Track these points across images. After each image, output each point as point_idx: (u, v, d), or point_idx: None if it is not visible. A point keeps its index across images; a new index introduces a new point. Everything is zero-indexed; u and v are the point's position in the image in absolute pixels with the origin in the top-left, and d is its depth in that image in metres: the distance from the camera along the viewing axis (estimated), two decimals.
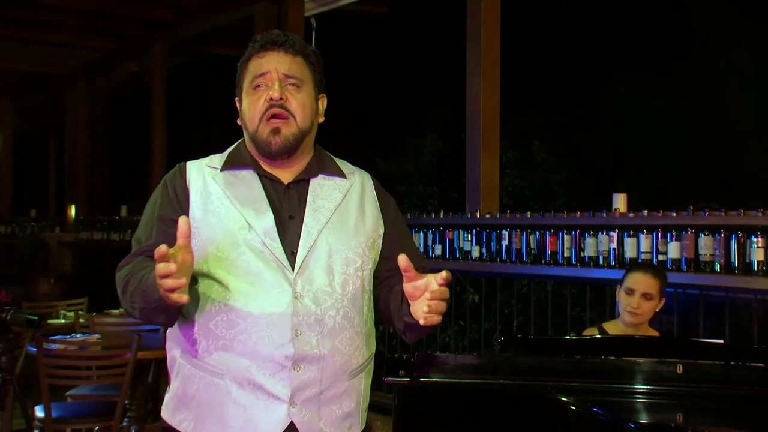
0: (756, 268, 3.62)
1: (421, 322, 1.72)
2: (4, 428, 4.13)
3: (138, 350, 4.18)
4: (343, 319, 1.83)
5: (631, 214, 4.11)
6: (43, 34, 8.92)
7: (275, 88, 1.85)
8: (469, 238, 4.82)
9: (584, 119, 9.42)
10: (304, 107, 1.88)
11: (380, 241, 1.95)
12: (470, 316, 5.22)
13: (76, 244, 9.70)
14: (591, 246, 4.20)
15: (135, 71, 9.96)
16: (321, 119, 1.97)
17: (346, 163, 2.04)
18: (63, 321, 5.94)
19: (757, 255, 3.62)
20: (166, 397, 1.93)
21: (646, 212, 4.04)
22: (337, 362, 1.82)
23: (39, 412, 4.19)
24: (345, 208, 1.90)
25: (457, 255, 4.91)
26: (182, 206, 1.87)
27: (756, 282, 3.63)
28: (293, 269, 1.80)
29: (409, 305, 1.78)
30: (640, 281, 3.24)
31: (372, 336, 1.95)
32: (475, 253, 4.79)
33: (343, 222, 1.88)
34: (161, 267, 1.60)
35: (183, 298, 1.64)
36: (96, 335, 4.88)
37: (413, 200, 8.53)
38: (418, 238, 5.14)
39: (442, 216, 5.13)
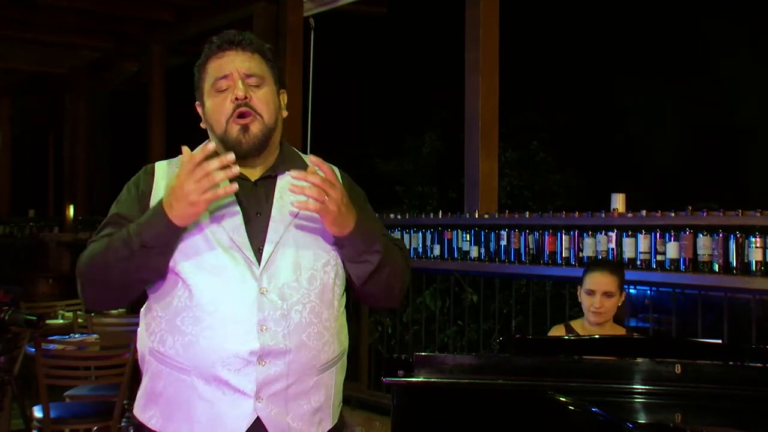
0: (754, 268, 3.62)
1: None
2: (3, 428, 4.13)
3: (136, 350, 4.18)
4: (310, 314, 1.84)
5: (630, 215, 4.11)
6: (42, 34, 8.92)
7: (239, 87, 1.84)
8: (468, 238, 4.82)
9: (583, 119, 9.43)
10: (269, 104, 1.89)
11: None
12: (469, 316, 5.22)
13: (74, 244, 9.69)
14: (590, 246, 4.20)
15: (134, 71, 9.96)
16: (285, 114, 1.98)
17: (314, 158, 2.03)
18: (61, 321, 5.95)
19: (755, 255, 3.62)
20: (138, 393, 1.94)
21: (644, 212, 4.04)
22: (305, 357, 1.83)
23: (37, 413, 4.19)
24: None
25: (455, 255, 4.91)
26: (142, 206, 1.87)
27: (754, 282, 3.63)
28: (260, 264, 1.81)
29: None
30: (599, 281, 3.26)
31: (344, 332, 1.96)
32: (474, 253, 4.79)
33: (311, 217, 1.88)
34: (215, 162, 1.70)
35: (233, 187, 1.73)
36: (94, 335, 4.88)
37: (412, 200, 8.53)
38: (417, 238, 5.14)
39: (440, 216, 5.13)
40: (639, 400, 2.18)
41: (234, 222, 1.84)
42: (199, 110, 1.95)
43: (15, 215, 12.16)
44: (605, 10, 9.48)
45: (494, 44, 5.25)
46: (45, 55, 9.88)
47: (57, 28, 8.82)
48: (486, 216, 4.85)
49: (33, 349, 4.28)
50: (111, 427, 4.22)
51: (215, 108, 1.87)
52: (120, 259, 1.77)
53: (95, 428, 4.43)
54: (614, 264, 3.68)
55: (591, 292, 3.26)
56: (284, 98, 1.98)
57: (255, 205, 1.88)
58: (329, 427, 1.91)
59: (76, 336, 5.04)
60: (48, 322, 5.64)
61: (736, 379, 2.19)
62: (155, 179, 1.91)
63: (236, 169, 1.73)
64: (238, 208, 1.85)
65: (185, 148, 1.76)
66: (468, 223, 4.88)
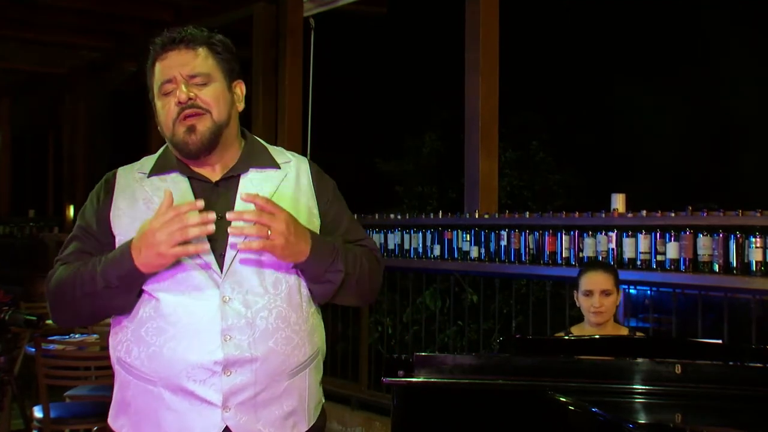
0: (754, 269, 3.62)
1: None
2: (3, 428, 4.13)
3: None
4: (277, 319, 1.80)
5: (630, 215, 4.11)
6: (42, 34, 8.91)
7: (182, 90, 1.79)
8: (468, 239, 4.82)
9: (583, 119, 9.43)
10: (217, 99, 1.82)
11: (316, 227, 1.89)
12: (469, 317, 5.22)
13: None
14: (590, 246, 4.20)
15: (134, 71, 9.96)
16: (241, 106, 1.91)
17: (283, 151, 1.98)
18: None
19: (755, 255, 3.62)
20: (112, 401, 1.91)
21: (644, 212, 4.04)
22: (273, 363, 1.79)
23: (37, 413, 4.19)
24: (278, 202, 1.82)
25: (455, 255, 4.91)
26: (100, 218, 1.85)
27: (754, 282, 3.63)
28: (221, 271, 1.77)
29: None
30: (596, 280, 3.27)
31: (317, 331, 1.91)
32: (474, 253, 4.79)
33: None
34: (194, 217, 1.65)
35: (203, 245, 1.69)
36: (94, 335, 4.88)
37: (412, 200, 8.53)
38: (417, 239, 5.14)
39: (440, 216, 5.13)
40: (639, 400, 2.17)
41: None
42: (154, 109, 1.91)
43: (15, 215, 12.15)
44: (605, 10, 9.48)
45: (494, 44, 5.25)
46: (45, 55, 9.88)
47: (57, 28, 8.82)
48: (486, 216, 4.85)
49: (33, 349, 4.28)
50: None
51: (162, 111, 1.83)
52: (85, 294, 1.76)
53: (95, 428, 4.42)
54: (606, 263, 3.71)
55: (589, 293, 3.27)
56: (241, 89, 1.91)
57: (216, 208, 1.80)
58: (305, 429, 1.88)
59: (76, 336, 5.04)
60: (48, 322, 5.61)
61: (736, 379, 2.19)
62: (116, 188, 1.87)
63: (212, 228, 1.67)
64: (196, 212, 1.77)
65: (168, 191, 1.71)
66: (468, 223, 4.88)
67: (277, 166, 1.91)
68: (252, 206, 1.74)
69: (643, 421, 2.11)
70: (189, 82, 1.80)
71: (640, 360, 2.19)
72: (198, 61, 1.82)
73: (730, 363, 2.27)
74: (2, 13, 8.07)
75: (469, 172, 5.25)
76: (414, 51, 9.93)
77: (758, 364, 2.28)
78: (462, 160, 5.37)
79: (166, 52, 1.83)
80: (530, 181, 8.45)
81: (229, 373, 1.75)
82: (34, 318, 3.17)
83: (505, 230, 4.62)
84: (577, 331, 3.39)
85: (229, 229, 1.72)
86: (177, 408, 1.76)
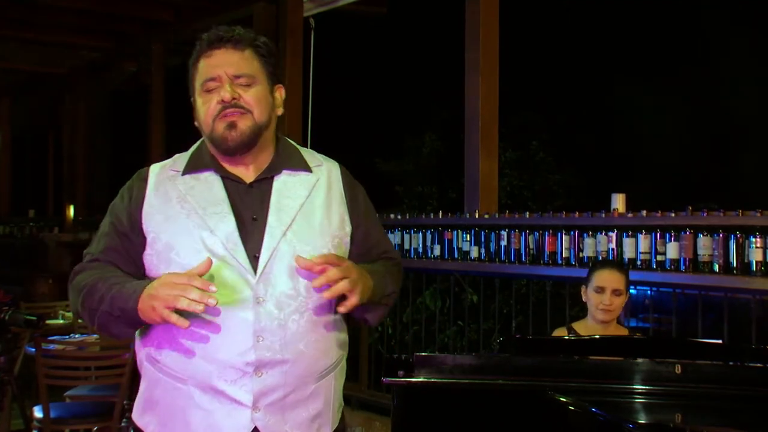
0: (755, 269, 3.62)
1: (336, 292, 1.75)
2: (3, 428, 4.13)
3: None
4: (308, 323, 1.80)
5: (630, 215, 4.11)
6: (42, 34, 8.91)
7: (226, 89, 1.80)
8: (468, 239, 4.82)
9: (583, 119, 9.42)
10: (259, 101, 1.83)
11: (347, 240, 1.91)
12: (469, 317, 5.22)
13: (74, 244, 9.68)
14: (590, 246, 4.20)
15: (134, 71, 9.96)
16: (280, 111, 1.92)
17: (314, 153, 1.98)
18: (61, 321, 5.95)
19: (755, 255, 3.62)
20: (137, 398, 1.92)
21: (644, 212, 4.04)
22: (302, 366, 1.80)
23: (37, 413, 4.19)
24: (310, 206, 1.86)
25: (455, 255, 4.91)
26: (134, 215, 1.84)
27: (754, 282, 3.63)
28: (255, 273, 1.77)
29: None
30: (609, 278, 3.27)
31: (342, 336, 1.93)
32: (474, 253, 4.79)
33: (308, 221, 1.84)
34: (194, 293, 1.63)
35: (184, 322, 1.67)
36: (94, 335, 4.88)
37: (412, 200, 8.54)
38: (417, 239, 5.14)
39: (440, 216, 5.13)
40: (639, 400, 2.18)
41: (227, 228, 1.79)
42: (193, 106, 1.91)
43: (15, 215, 12.16)
44: (605, 10, 9.48)
45: (494, 44, 5.24)
46: (45, 55, 9.88)
47: (57, 28, 8.82)
48: (486, 216, 4.85)
49: (33, 350, 4.28)
50: (111, 427, 4.21)
51: (203, 107, 1.84)
52: (92, 308, 1.77)
53: (95, 428, 4.42)
54: (621, 263, 3.71)
55: (601, 290, 3.26)
56: (281, 94, 1.93)
57: (250, 209, 1.83)
58: (329, 431, 1.90)
59: (76, 336, 5.04)
60: (48, 322, 5.64)
61: (736, 379, 2.19)
62: (148, 185, 1.87)
63: (200, 309, 1.65)
64: (231, 213, 1.80)
65: (207, 260, 1.70)
66: (468, 224, 4.88)
67: (309, 169, 1.91)
68: (286, 210, 1.81)
69: (643, 421, 2.11)
70: (234, 81, 1.81)
71: (640, 360, 2.19)
72: (244, 62, 1.83)
73: (730, 363, 2.27)
74: (2, 13, 8.07)
75: (469, 172, 5.25)
76: (414, 51, 9.93)
77: (758, 364, 2.28)
78: (462, 160, 5.37)
79: (212, 50, 1.83)
80: (530, 181, 8.45)
81: (260, 374, 1.76)
82: (34, 318, 3.18)
83: (505, 230, 4.62)
84: (578, 327, 3.38)
85: (313, 285, 1.75)
86: (206, 407, 1.77)
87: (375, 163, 8.95)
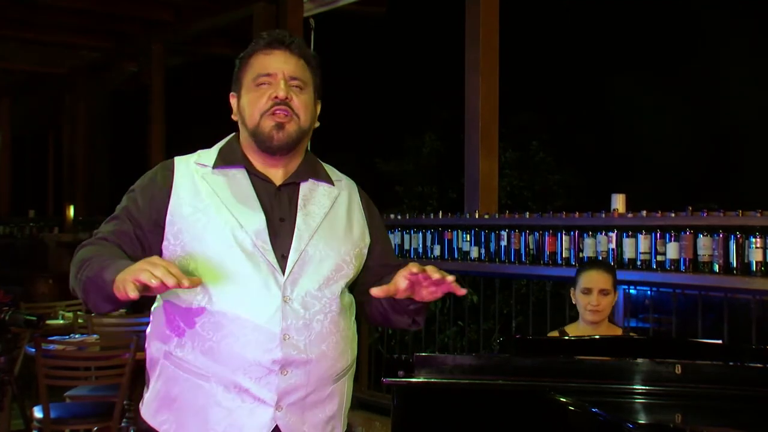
0: (754, 269, 3.63)
1: (440, 294, 1.76)
2: (3, 429, 4.13)
3: (137, 351, 4.18)
4: (331, 324, 1.83)
5: (630, 215, 4.11)
6: (42, 34, 8.92)
7: (281, 87, 1.83)
8: (468, 239, 4.82)
9: (583, 119, 9.42)
10: (307, 108, 1.88)
11: (366, 251, 1.96)
12: (469, 317, 5.22)
13: (74, 244, 9.60)
14: (590, 246, 4.20)
15: (134, 71, 9.97)
16: (317, 124, 1.97)
17: (335, 170, 2.03)
18: (62, 321, 5.95)
19: (755, 255, 3.62)
20: (147, 397, 1.90)
21: (644, 213, 4.04)
22: (324, 367, 1.82)
23: (37, 413, 4.19)
24: (334, 216, 1.90)
25: (455, 255, 4.91)
26: (157, 205, 1.82)
27: (754, 282, 3.63)
28: (284, 273, 1.79)
29: (407, 299, 1.80)
30: (596, 279, 3.28)
31: (355, 340, 1.96)
32: (474, 253, 4.79)
33: (333, 229, 1.88)
34: (163, 271, 1.56)
35: (132, 293, 1.57)
36: (94, 336, 4.88)
37: (412, 200, 8.54)
38: (417, 239, 5.14)
39: (440, 216, 5.13)
40: (639, 400, 2.18)
41: (257, 226, 1.80)
42: (233, 102, 1.93)
43: (15, 215, 12.17)
44: (605, 10, 9.48)
45: (494, 44, 5.25)
46: (45, 55, 9.89)
47: (57, 28, 8.83)
48: (486, 216, 4.85)
49: (33, 350, 4.28)
50: (111, 427, 4.21)
51: (252, 102, 1.85)
52: (84, 278, 1.73)
53: (95, 429, 4.43)
54: (606, 263, 3.72)
55: (588, 291, 3.27)
56: (319, 109, 1.97)
57: (278, 210, 1.86)
58: None
59: (76, 336, 5.04)
60: (48, 322, 5.64)
61: (736, 379, 2.19)
62: (175, 176, 1.86)
63: (155, 282, 1.56)
64: (262, 212, 1.82)
65: (198, 281, 1.66)
66: (468, 224, 4.89)
67: (331, 182, 1.96)
68: (313, 216, 1.86)
69: (643, 422, 2.11)
70: (289, 83, 1.85)
71: (640, 360, 2.19)
72: (299, 67, 1.88)
73: (730, 363, 2.27)
74: (2, 13, 8.08)
75: (469, 172, 5.26)
76: (414, 51, 9.93)
77: (758, 365, 2.28)
78: (462, 160, 5.38)
79: (270, 49, 1.87)
80: (530, 181, 8.45)
81: (285, 373, 1.77)
82: (34, 318, 3.18)
83: (505, 230, 4.62)
84: (571, 330, 3.39)
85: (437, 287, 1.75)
86: (228, 405, 1.76)
87: (375, 163, 8.95)
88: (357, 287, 1.95)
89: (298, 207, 1.87)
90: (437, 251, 5.01)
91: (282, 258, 1.80)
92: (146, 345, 1.91)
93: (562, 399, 2.10)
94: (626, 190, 4.35)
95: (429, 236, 5.08)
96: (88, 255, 1.78)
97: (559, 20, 9.65)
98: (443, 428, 2.21)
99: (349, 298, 1.92)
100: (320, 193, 1.92)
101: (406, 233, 5.22)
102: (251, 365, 1.75)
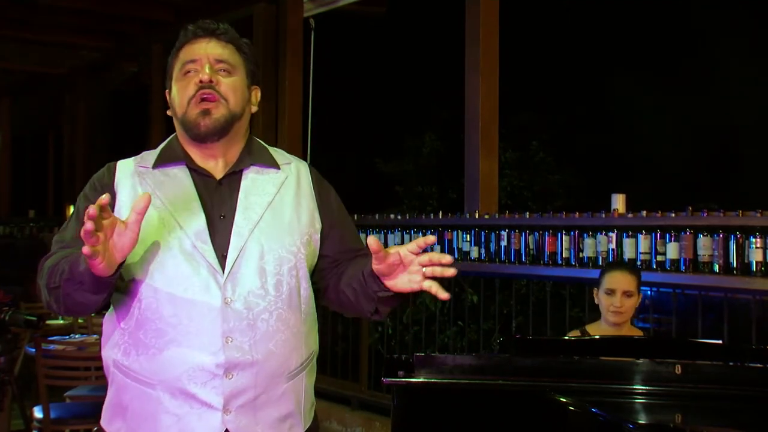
0: (755, 269, 3.62)
1: (424, 286, 1.73)
2: (3, 429, 4.12)
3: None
4: (278, 322, 1.78)
5: (630, 215, 4.11)
6: (42, 34, 8.91)
7: (205, 70, 1.80)
8: (468, 239, 4.82)
9: (583, 119, 9.43)
10: (236, 91, 1.82)
11: (317, 236, 1.88)
12: (469, 317, 5.22)
13: None
14: (590, 246, 4.20)
15: (134, 71, 9.96)
16: (254, 109, 1.91)
17: (283, 152, 1.97)
18: (61, 321, 5.94)
19: (755, 255, 3.62)
20: (105, 404, 1.89)
21: (644, 213, 4.04)
22: (272, 366, 1.77)
23: (37, 413, 4.19)
24: (279, 204, 1.83)
25: (455, 255, 4.91)
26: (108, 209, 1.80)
27: (754, 282, 3.63)
28: (223, 272, 1.75)
29: (376, 283, 1.75)
30: (620, 280, 3.26)
31: (313, 334, 1.90)
32: (474, 253, 4.79)
33: (277, 219, 1.82)
34: (89, 224, 1.51)
35: (96, 258, 1.55)
36: (94, 336, 4.88)
37: (412, 200, 8.54)
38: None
39: (440, 216, 5.13)
40: (639, 400, 2.18)
41: (197, 226, 1.76)
42: (167, 97, 1.89)
43: (15, 215, 12.15)
44: (605, 10, 9.48)
45: (494, 44, 5.24)
46: (45, 55, 9.88)
47: (57, 28, 8.82)
48: (486, 216, 4.85)
49: (33, 350, 4.28)
50: None
51: (179, 91, 1.82)
52: (78, 274, 1.66)
53: (95, 429, 4.42)
54: (632, 265, 3.68)
55: (611, 292, 3.24)
56: (256, 94, 1.91)
57: (219, 206, 1.80)
58: (301, 431, 1.86)
59: (76, 336, 5.04)
60: (48, 322, 5.64)
61: (737, 379, 2.19)
62: (116, 178, 1.83)
63: (89, 225, 1.51)
64: (201, 211, 1.77)
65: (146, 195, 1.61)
66: (468, 224, 4.88)
67: (277, 166, 1.89)
68: (253, 208, 1.78)
69: (643, 422, 2.11)
70: (214, 66, 1.82)
71: (640, 360, 2.20)
72: (226, 51, 1.85)
73: (730, 363, 2.27)
74: (2, 13, 8.07)
75: (469, 172, 5.25)
76: (414, 51, 9.94)
77: (758, 365, 2.28)
78: (462, 160, 5.37)
79: (196, 38, 1.86)
80: (530, 182, 8.45)
81: (230, 376, 1.73)
82: (34, 318, 3.17)
83: (505, 230, 4.62)
84: (592, 329, 3.37)
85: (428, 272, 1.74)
86: (177, 411, 1.74)
87: (375, 163, 8.95)
88: (314, 274, 1.89)
89: (239, 200, 1.81)
90: (437, 251, 5.00)
91: (222, 257, 1.76)
92: (101, 352, 1.87)
93: (562, 399, 2.10)
94: (626, 190, 4.35)
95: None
96: (54, 262, 1.75)
97: (558, 20, 9.65)
98: (443, 428, 2.21)
99: (305, 290, 1.85)
100: (264, 180, 1.85)
101: (406, 233, 5.22)
102: (195, 370, 1.72)
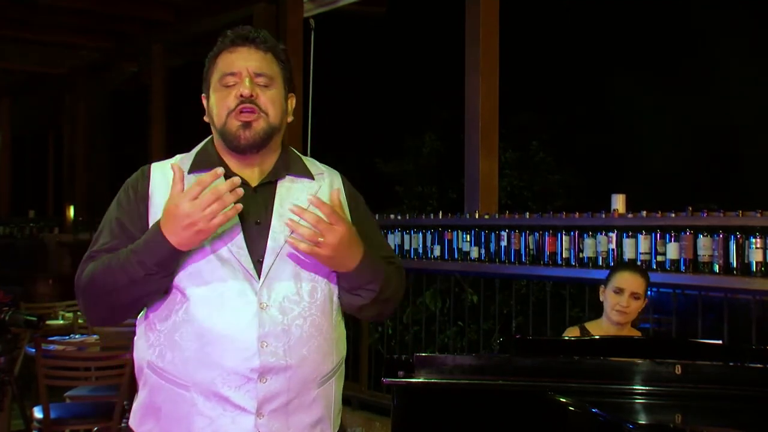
0: (754, 269, 3.62)
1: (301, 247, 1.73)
2: (3, 429, 4.12)
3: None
4: (311, 327, 1.80)
5: (630, 215, 4.11)
6: (42, 34, 8.92)
7: (246, 84, 1.80)
8: (468, 239, 4.82)
9: (583, 119, 9.43)
10: (275, 103, 1.84)
11: None
12: (469, 317, 5.22)
13: (74, 244, 9.69)
14: (590, 247, 4.20)
15: (134, 71, 9.97)
16: (290, 119, 1.93)
17: (316, 162, 1.99)
18: (62, 322, 5.95)
19: (755, 256, 3.62)
20: (134, 405, 1.90)
21: (644, 213, 4.04)
22: (305, 371, 1.79)
23: (37, 413, 4.19)
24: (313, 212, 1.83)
25: (455, 256, 4.91)
26: (141, 215, 1.82)
27: (754, 283, 3.63)
28: (259, 278, 1.76)
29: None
30: (630, 281, 3.25)
31: (342, 340, 1.92)
32: (474, 253, 4.79)
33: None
34: (224, 185, 1.64)
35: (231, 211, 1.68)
36: (94, 336, 4.88)
37: (412, 200, 8.53)
38: (417, 239, 5.14)
39: (440, 216, 5.12)
40: (639, 400, 2.18)
41: (233, 232, 1.78)
42: (204, 102, 1.91)
43: (15, 216, 12.16)
44: (605, 11, 9.48)
45: (494, 44, 5.25)
46: (45, 55, 9.89)
47: (57, 28, 8.83)
48: (486, 216, 4.85)
49: (33, 350, 4.28)
50: (111, 427, 4.21)
51: (219, 101, 1.83)
52: (122, 286, 1.73)
53: (95, 429, 4.42)
54: (643, 268, 3.67)
55: (620, 291, 3.24)
56: (292, 102, 1.93)
57: (254, 213, 1.82)
58: None
59: (77, 336, 5.05)
60: (48, 322, 5.64)
61: (737, 379, 2.19)
62: (151, 183, 1.85)
63: (241, 191, 1.68)
64: (236, 217, 1.77)
65: (175, 167, 1.71)
66: (468, 224, 4.88)
67: (311, 176, 1.92)
68: (289, 215, 1.76)
69: (643, 422, 2.11)
70: (254, 79, 1.82)
71: (640, 360, 2.20)
72: (265, 62, 1.84)
73: (730, 363, 2.27)
74: (2, 13, 8.08)
75: (469, 172, 5.25)
76: (414, 51, 9.93)
77: (758, 365, 2.28)
78: (462, 160, 5.37)
79: (235, 47, 1.84)
80: (530, 182, 8.45)
81: (264, 381, 1.75)
82: (34, 318, 3.17)
83: (505, 231, 4.62)
84: (592, 327, 3.37)
85: (286, 222, 1.75)
86: (210, 414, 1.75)
87: (375, 163, 8.95)
88: (339, 283, 1.90)
89: (274, 208, 1.83)
90: (437, 251, 5.00)
91: (258, 263, 1.77)
92: (133, 353, 1.90)
93: (562, 399, 2.10)
94: (626, 190, 4.35)
95: (429, 236, 5.07)
96: (97, 271, 1.76)
97: (558, 20, 9.65)
98: (443, 428, 2.21)
99: (335, 296, 1.87)
100: (298, 189, 1.87)
101: (406, 233, 5.22)
102: (229, 374, 1.74)
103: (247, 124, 1.80)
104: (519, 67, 8.08)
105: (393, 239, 5.29)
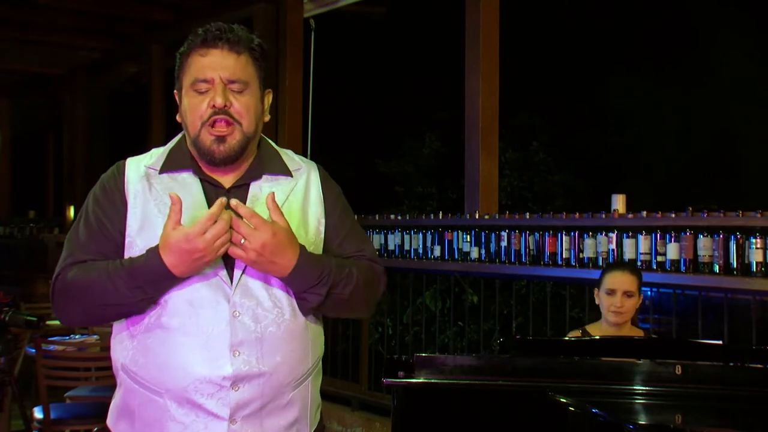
0: (755, 269, 3.63)
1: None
2: (3, 429, 4.12)
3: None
4: (285, 333, 1.77)
5: (630, 215, 4.11)
6: (42, 34, 8.92)
7: (219, 93, 1.74)
8: (468, 239, 4.82)
9: (583, 120, 9.42)
10: (249, 111, 1.77)
11: (321, 237, 1.87)
12: (469, 317, 5.22)
13: None
14: (590, 247, 4.20)
15: (134, 72, 9.97)
16: (267, 118, 1.88)
17: (293, 156, 1.94)
18: None
19: (755, 256, 3.62)
20: (111, 403, 1.89)
21: (645, 213, 4.04)
22: (279, 377, 1.77)
23: (37, 413, 4.19)
24: (287, 213, 1.78)
25: (456, 256, 4.91)
26: (117, 210, 1.79)
27: (754, 283, 3.63)
28: (231, 284, 1.74)
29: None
30: (620, 280, 3.26)
31: (319, 340, 1.89)
32: (474, 254, 4.79)
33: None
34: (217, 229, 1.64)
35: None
36: (95, 336, 4.88)
37: (412, 201, 8.53)
38: (417, 239, 5.14)
39: (441, 217, 5.13)
40: (639, 401, 2.18)
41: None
42: (177, 99, 1.86)
43: (15, 216, 12.16)
44: (605, 11, 9.48)
45: (494, 44, 5.25)
46: (45, 55, 9.88)
47: (56, 28, 8.82)
48: (486, 217, 4.85)
49: (33, 350, 4.28)
50: None
51: (191, 108, 1.77)
52: (112, 304, 1.72)
53: (95, 429, 4.42)
54: (633, 265, 3.68)
55: (612, 292, 3.25)
56: (268, 99, 1.88)
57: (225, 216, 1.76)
58: None
59: (77, 337, 5.04)
60: (48, 322, 5.62)
61: (737, 380, 2.19)
62: (126, 180, 1.81)
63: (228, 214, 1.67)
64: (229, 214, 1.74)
65: (174, 197, 1.66)
66: (468, 224, 4.88)
67: (289, 173, 1.88)
68: (262, 212, 1.72)
69: (643, 422, 2.11)
70: (227, 86, 1.76)
71: (640, 361, 2.20)
72: (239, 66, 1.77)
73: (731, 364, 2.27)
74: (2, 13, 8.07)
75: (469, 173, 5.25)
76: (414, 52, 9.93)
77: (758, 365, 2.28)
78: (462, 161, 5.37)
79: (208, 48, 1.77)
80: (530, 182, 8.44)
81: (237, 388, 1.73)
82: (34, 319, 3.17)
83: (505, 231, 4.62)
84: (592, 329, 3.38)
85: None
86: (183, 420, 1.74)
87: (375, 164, 8.94)
88: None
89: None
90: (437, 252, 5.00)
91: (231, 269, 1.75)
92: (110, 354, 1.88)
93: (562, 399, 2.10)
94: (626, 191, 4.35)
95: (429, 237, 5.08)
96: (82, 279, 1.74)
97: (558, 20, 9.66)
98: (443, 429, 2.21)
99: None
100: (272, 188, 1.82)
101: (406, 234, 5.22)
102: (202, 382, 1.72)
103: (221, 139, 1.75)
104: (519, 68, 8.08)
105: (393, 239, 5.29)
